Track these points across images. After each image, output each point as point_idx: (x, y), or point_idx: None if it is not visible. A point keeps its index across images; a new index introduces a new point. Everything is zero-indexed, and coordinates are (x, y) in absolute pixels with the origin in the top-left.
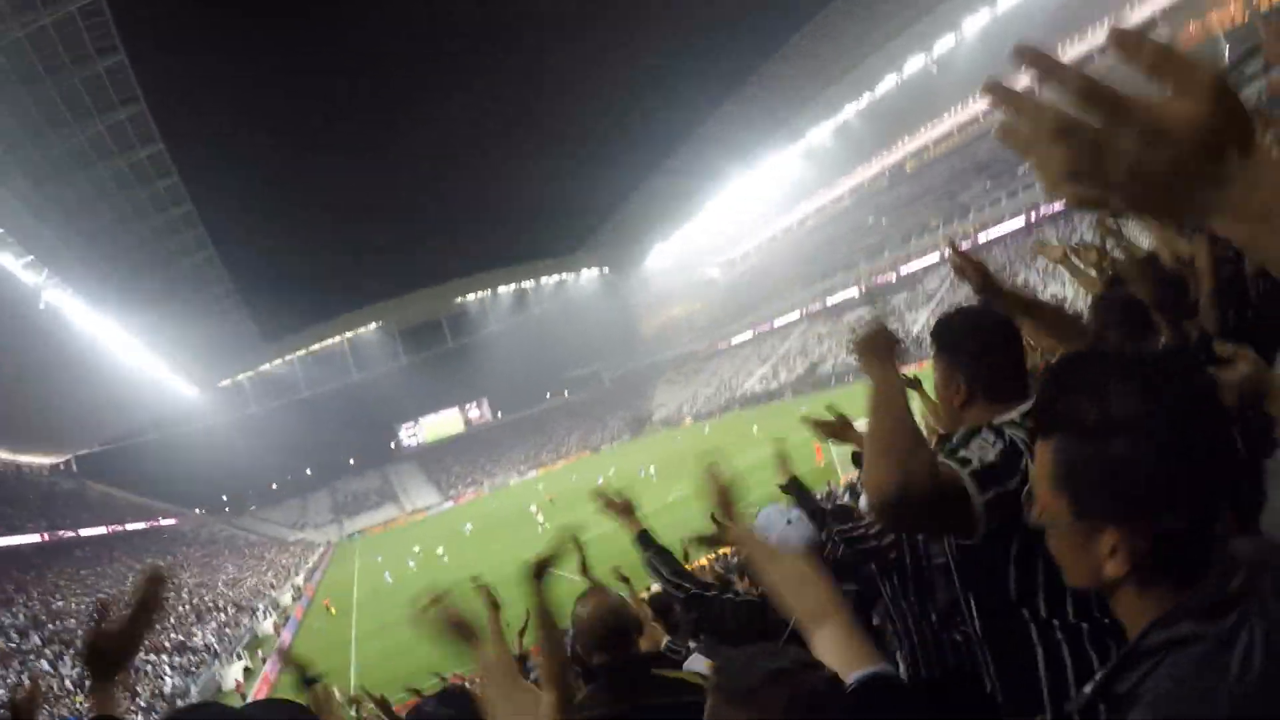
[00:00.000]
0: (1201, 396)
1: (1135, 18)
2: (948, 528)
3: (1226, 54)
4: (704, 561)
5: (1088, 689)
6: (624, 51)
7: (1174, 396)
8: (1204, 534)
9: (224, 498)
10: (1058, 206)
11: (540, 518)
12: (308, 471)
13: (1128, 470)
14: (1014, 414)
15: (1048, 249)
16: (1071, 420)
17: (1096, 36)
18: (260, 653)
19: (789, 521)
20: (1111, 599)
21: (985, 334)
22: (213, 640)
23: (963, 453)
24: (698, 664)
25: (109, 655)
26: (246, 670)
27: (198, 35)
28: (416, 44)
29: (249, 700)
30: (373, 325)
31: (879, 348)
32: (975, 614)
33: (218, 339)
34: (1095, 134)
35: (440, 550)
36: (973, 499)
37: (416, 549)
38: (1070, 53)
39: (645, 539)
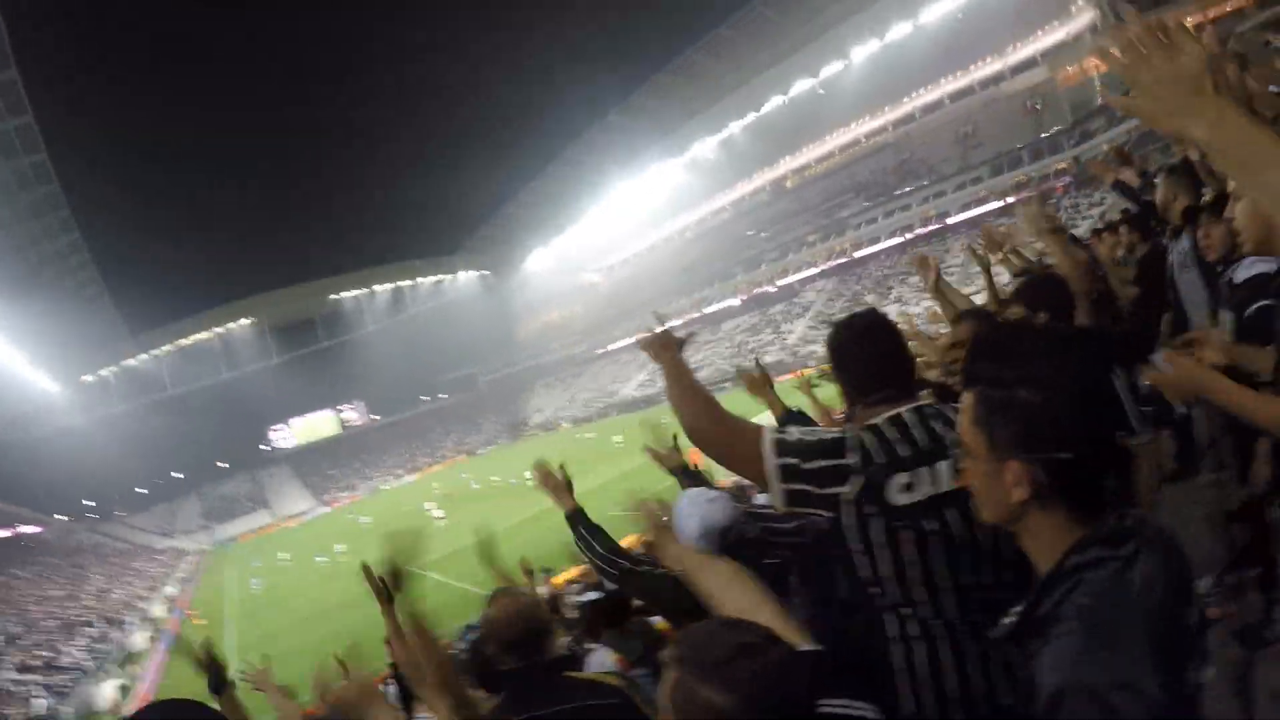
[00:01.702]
0: (1091, 363)
1: (1021, 52)
2: (741, 468)
3: (1099, 98)
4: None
5: (1010, 618)
6: (513, 53)
7: (1070, 360)
8: (1092, 470)
9: (88, 503)
10: (932, 227)
11: (439, 513)
12: (176, 475)
13: (1030, 413)
14: (883, 417)
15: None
16: (989, 374)
17: (976, 71)
18: (135, 669)
19: (709, 500)
20: (1019, 531)
21: (845, 340)
22: (83, 657)
23: (793, 427)
24: (603, 662)
25: None
26: (123, 688)
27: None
28: (299, 36)
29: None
30: (245, 321)
31: (666, 345)
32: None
33: (81, 331)
34: (1139, 51)
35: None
36: (765, 455)
37: (284, 556)
38: (949, 87)
39: (578, 516)
